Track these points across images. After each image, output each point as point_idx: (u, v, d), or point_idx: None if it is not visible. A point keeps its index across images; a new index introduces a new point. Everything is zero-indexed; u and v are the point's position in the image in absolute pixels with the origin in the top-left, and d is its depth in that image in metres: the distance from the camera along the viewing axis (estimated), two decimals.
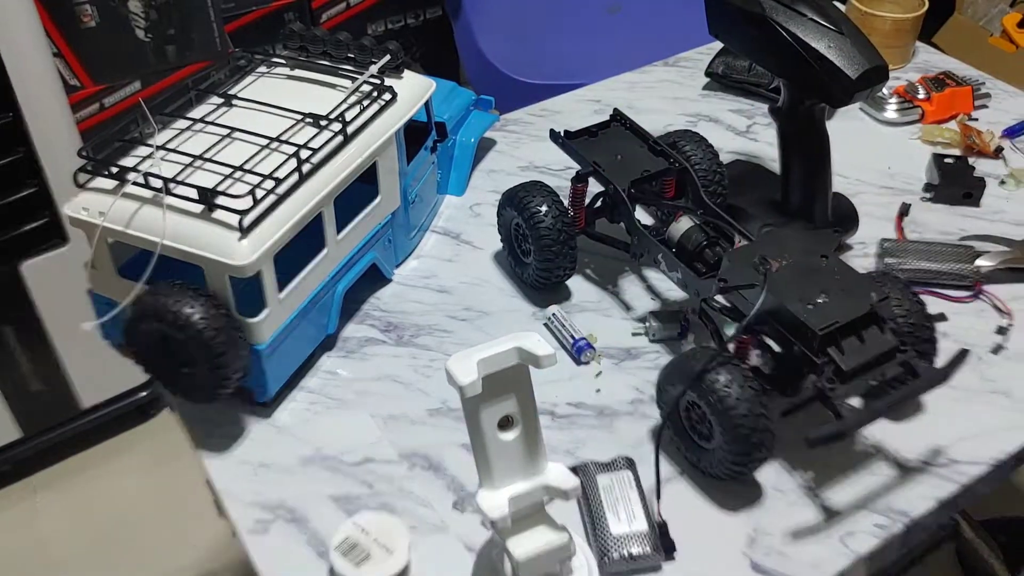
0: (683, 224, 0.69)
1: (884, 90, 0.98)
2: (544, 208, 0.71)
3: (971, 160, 0.89)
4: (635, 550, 0.56)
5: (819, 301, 0.57)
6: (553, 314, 0.73)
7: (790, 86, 0.73)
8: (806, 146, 0.75)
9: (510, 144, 0.95)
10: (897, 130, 0.96)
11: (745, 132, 0.96)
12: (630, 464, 0.61)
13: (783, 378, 0.61)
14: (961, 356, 0.57)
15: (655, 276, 0.79)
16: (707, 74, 1.03)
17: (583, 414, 0.67)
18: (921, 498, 0.61)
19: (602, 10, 1.72)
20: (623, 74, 1.05)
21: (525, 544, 0.44)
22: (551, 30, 1.72)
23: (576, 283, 0.77)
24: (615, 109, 0.78)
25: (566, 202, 0.74)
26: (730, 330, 0.66)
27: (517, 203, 0.72)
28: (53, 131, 1.21)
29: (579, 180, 0.73)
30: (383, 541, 0.55)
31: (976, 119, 0.96)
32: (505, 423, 0.44)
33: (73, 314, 1.34)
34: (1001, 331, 0.71)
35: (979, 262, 0.75)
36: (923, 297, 0.75)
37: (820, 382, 0.56)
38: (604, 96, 1.01)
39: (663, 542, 0.56)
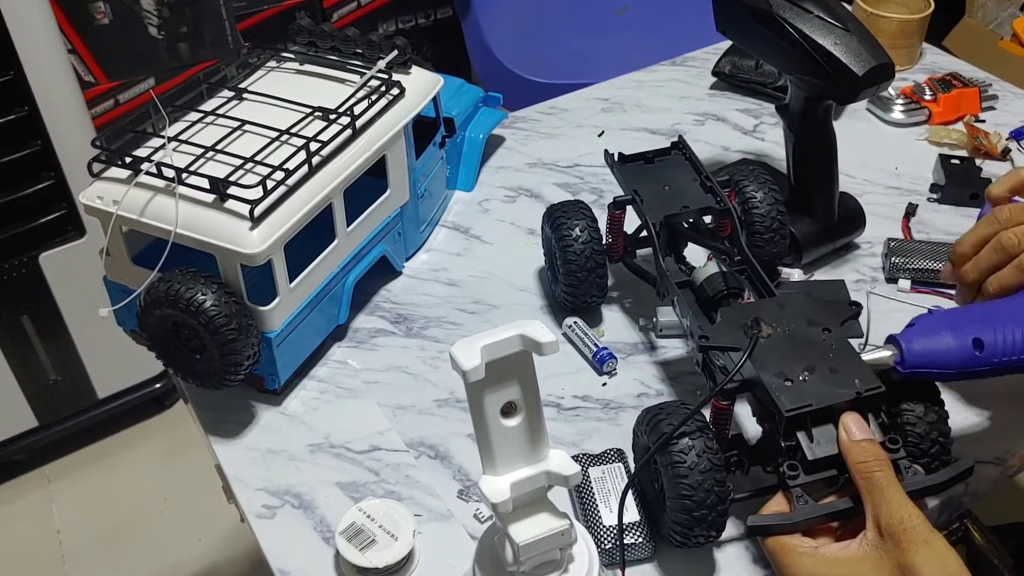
0: (708, 269, 0.63)
1: (891, 91, 0.98)
2: (576, 232, 0.69)
3: (978, 161, 0.89)
4: (627, 540, 0.56)
5: (800, 379, 0.53)
6: (574, 323, 0.72)
7: (797, 83, 0.73)
8: (813, 144, 0.76)
9: (519, 141, 0.96)
10: (904, 131, 0.96)
11: (752, 131, 0.97)
12: (621, 456, 0.62)
13: (764, 452, 0.56)
14: (967, 472, 0.51)
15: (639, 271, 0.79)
16: (714, 73, 1.03)
17: (589, 407, 0.68)
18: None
19: (610, 10, 1.72)
20: (630, 73, 1.06)
21: (526, 529, 0.45)
22: (560, 30, 1.72)
23: None
24: (679, 136, 0.74)
25: (604, 229, 0.71)
26: None
27: (553, 222, 0.71)
28: (69, 125, 1.23)
29: (616, 207, 0.71)
30: (388, 527, 0.57)
31: (983, 120, 0.96)
32: (508, 409, 0.44)
33: (90, 305, 1.34)
34: None
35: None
36: (926, 296, 0.76)
37: (782, 466, 0.52)
38: (612, 95, 1.02)
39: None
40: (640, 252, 0.75)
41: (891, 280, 0.78)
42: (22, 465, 1.49)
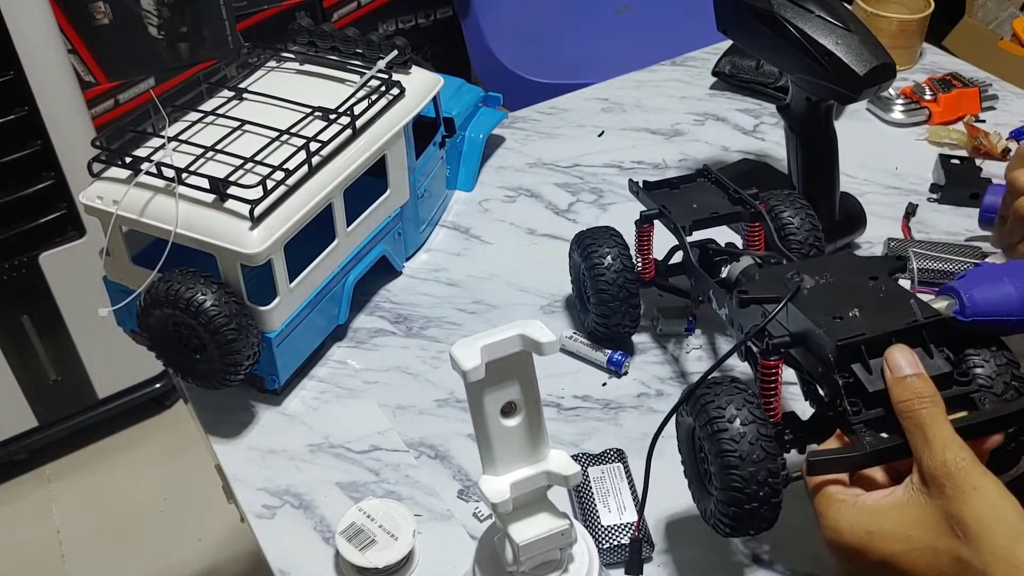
0: (743, 263, 0.62)
1: (891, 91, 0.98)
2: (608, 260, 0.66)
3: (978, 161, 0.89)
4: (625, 540, 0.56)
5: (850, 315, 0.48)
6: (570, 336, 0.71)
7: (798, 84, 0.73)
8: (814, 143, 0.76)
9: (519, 141, 0.96)
10: (904, 131, 0.96)
11: (752, 131, 0.97)
12: (620, 456, 0.62)
13: (821, 430, 0.51)
14: None
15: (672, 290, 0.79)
16: (714, 73, 1.03)
17: (589, 407, 0.68)
18: None
19: (610, 10, 1.73)
20: (631, 73, 1.06)
21: (526, 529, 0.45)
22: (560, 30, 1.73)
23: None
24: (704, 165, 0.72)
25: (634, 250, 0.68)
26: None
27: (583, 250, 0.68)
28: (69, 125, 1.23)
29: (644, 222, 0.68)
30: (388, 527, 0.57)
31: (983, 120, 0.96)
32: (508, 409, 0.44)
33: (90, 305, 1.35)
34: None
35: (986, 263, 0.75)
36: (928, 296, 0.76)
37: (840, 405, 0.46)
38: (612, 95, 1.02)
39: (631, 561, 0.54)
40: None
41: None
42: (22, 465, 1.49)
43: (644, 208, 0.69)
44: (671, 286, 0.71)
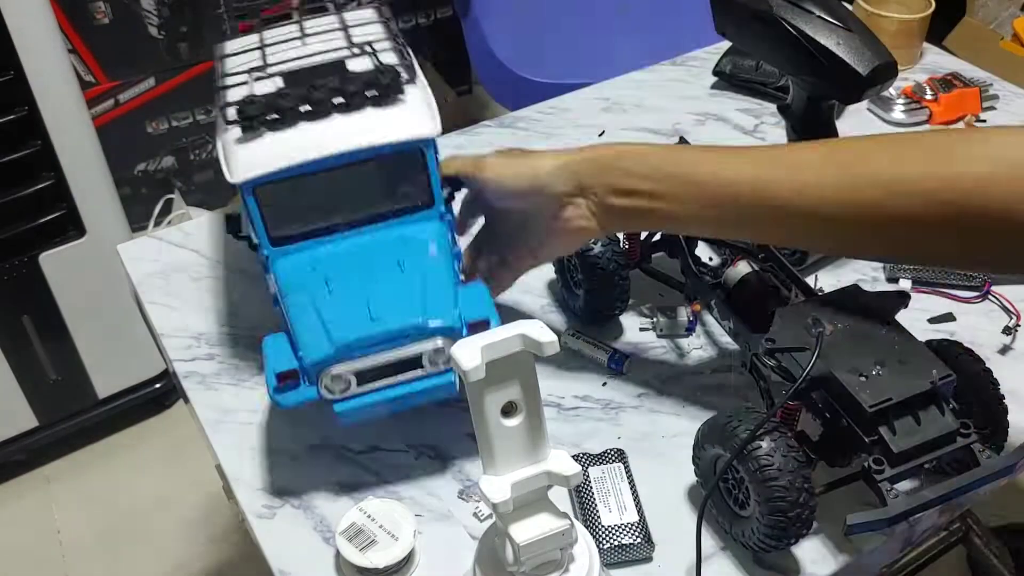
0: (741, 269, 0.65)
1: (891, 91, 0.98)
2: (599, 246, 0.68)
3: None
4: (626, 540, 0.56)
5: (873, 373, 0.53)
6: (572, 334, 0.71)
7: (799, 84, 0.73)
8: (809, 134, 0.76)
9: (519, 141, 0.96)
10: (905, 131, 0.96)
11: (753, 131, 0.97)
12: (621, 456, 0.62)
13: (832, 447, 0.56)
14: None
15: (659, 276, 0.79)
16: (715, 73, 1.03)
17: (589, 407, 0.68)
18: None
19: (610, 10, 1.72)
20: (631, 73, 1.06)
21: (527, 529, 0.45)
22: (560, 29, 1.72)
23: None
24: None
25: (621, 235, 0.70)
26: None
27: None
28: (69, 125, 1.23)
29: None
30: (388, 527, 0.57)
31: (984, 120, 0.96)
32: (508, 409, 0.44)
33: (90, 305, 1.36)
34: (1007, 331, 0.71)
35: None
36: (932, 297, 0.76)
37: (867, 462, 0.52)
38: (612, 94, 1.02)
39: None
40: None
41: (892, 280, 0.77)
42: (22, 465, 1.49)
43: None
44: (657, 271, 0.73)
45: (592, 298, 0.70)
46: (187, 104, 1.81)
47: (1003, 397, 0.58)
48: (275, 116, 0.59)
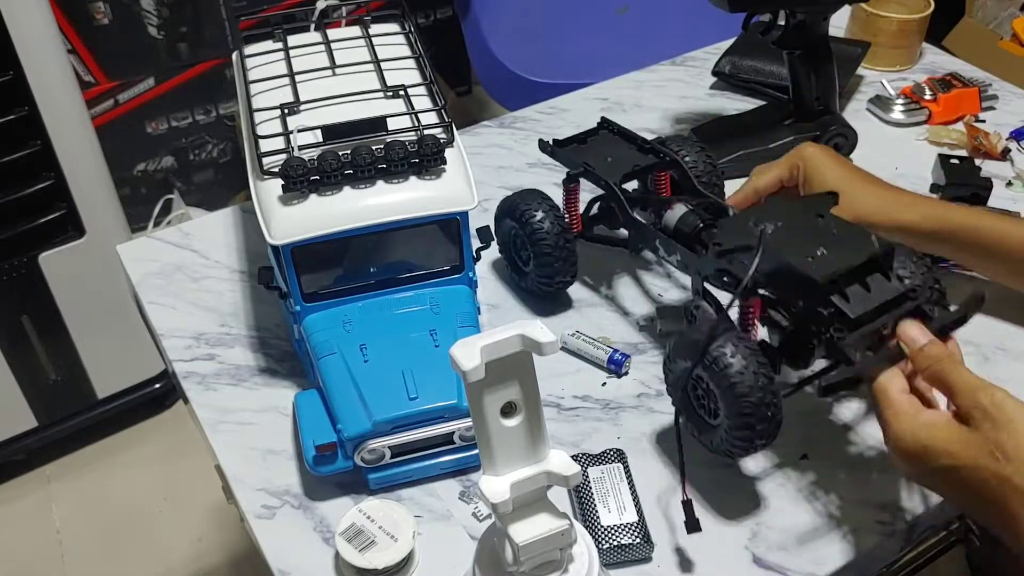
0: (678, 210, 0.68)
1: (891, 91, 0.98)
2: (540, 214, 0.70)
3: (977, 161, 0.89)
4: (625, 540, 0.56)
5: (818, 254, 0.56)
6: (576, 330, 0.71)
7: (794, 12, 0.83)
8: (812, 49, 0.86)
9: (518, 141, 0.96)
10: (904, 131, 0.96)
11: None
12: (620, 456, 0.62)
13: (793, 348, 0.59)
14: (979, 299, 0.56)
15: (653, 276, 0.79)
16: (714, 73, 1.03)
17: (589, 407, 0.68)
18: (924, 495, 0.61)
19: (610, 10, 1.72)
20: (631, 73, 1.06)
21: (526, 529, 0.45)
22: (560, 29, 1.72)
23: (575, 289, 0.77)
24: (602, 117, 0.78)
25: (562, 208, 0.73)
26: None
27: (514, 212, 0.72)
28: (68, 126, 1.23)
29: (571, 181, 0.73)
30: (388, 528, 0.57)
31: (983, 120, 0.96)
32: (508, 409, 0.44)
33: (90, 305, 1.36)
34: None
35: None
36: (943, 277, 0.76)
37: (828, 333, 0.55)
38: (612, 94, 1.02)
39: (688, 521, 0.56)
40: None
41: None
42: (22, 465, 1.49)
43: (562, 165, 0.75)
44: (601, 236, 0.77)
45: (542, 269, 0.72)
46: (187, 104, 1.81)
47: (939, 281, 0.60)
48: (318, 178, 0.60)
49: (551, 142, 0.76)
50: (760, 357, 0.55)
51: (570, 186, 0.74)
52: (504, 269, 0.78)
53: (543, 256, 0.71)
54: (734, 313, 0.58)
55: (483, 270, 0.80)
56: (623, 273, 0.79)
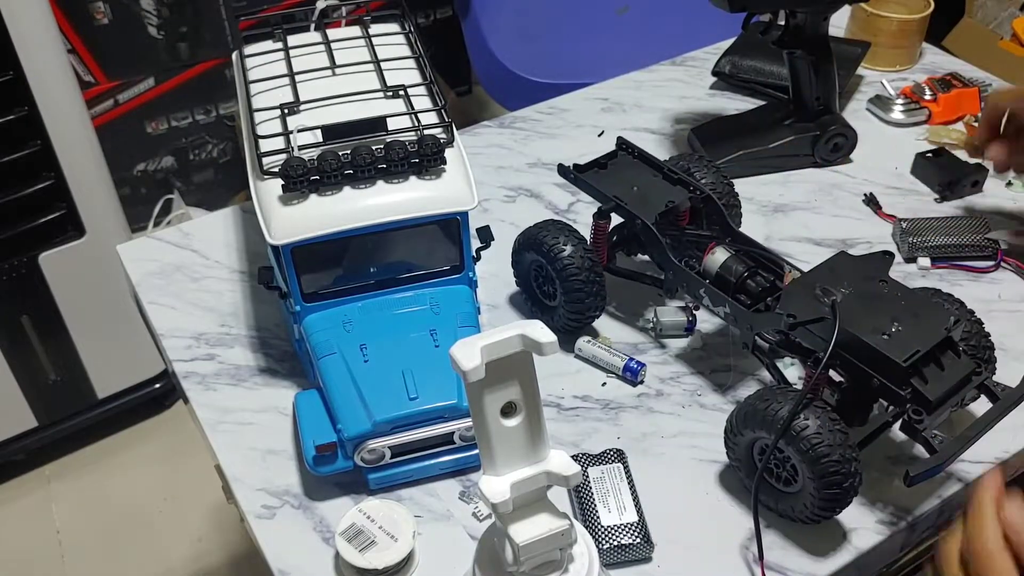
0: (719, 255, 0.66)
1: (891, 91, 0.98)
2: (569, 248, 0.67)
3: (976, 161, 0.89)
4: (625, 540, 0.56)
5: (893, 330, 0.56)
6: (588, 341, 0.71)
7: (794, 12, 0.83)
8: (812, 49, 0.86)
9: (518, 141, 0.96)
10: (904, 131, 0.96)
11: None
12: (620, 456, 0.62)
13: (849, 410, 0.59)
14: None
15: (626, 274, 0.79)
16: (714, 73, 1.03)
17: (589, 407, 0.68)
18: (924, 496, 0.61)
19: (610, 10, 1.72)
20: (630, 73, 1.06)
21: (526, 529, 0.45)
22: (560, 29, 1.72)
23: None
24: (619, 138, 0.75)
25: (589, 241, 0.71)
26: (785, 367, 0.66)
27: (539, 246, 0.69)
28: (68, 125, 1.23)
29: (601, 216, 0.71)
30: (388, 528, 0.57)
31: None
32: (508, 409, 0.44)
33: (90, 305, 1.36)
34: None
35: (993, 233, 0.79)
36: (945, 270, 0.78)
37: (907, 415, 0.55)
38: (612, 94, 1.02)
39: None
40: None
41: (910, 260, 0.79)
42: (22, 465, 1.49)
43: (587, 192, 0.73)
44: (629, 271, 0.74)
45: (572, 305, 0.68)
46: (187, 104, 1.81)
47: (989, 334, 0.62)
48: (318, 178, 0.60)
49: (572, 167, 0.73)
50: (843, 428, 0.54)
51: (600, 222, 0.71)
52: (516, 292, 0.75)
53: (574, 292, 0.68)
54: (790, 374, 0.59)
55: (483, 270, 0.80)
56: (620, 275, 0.79)
